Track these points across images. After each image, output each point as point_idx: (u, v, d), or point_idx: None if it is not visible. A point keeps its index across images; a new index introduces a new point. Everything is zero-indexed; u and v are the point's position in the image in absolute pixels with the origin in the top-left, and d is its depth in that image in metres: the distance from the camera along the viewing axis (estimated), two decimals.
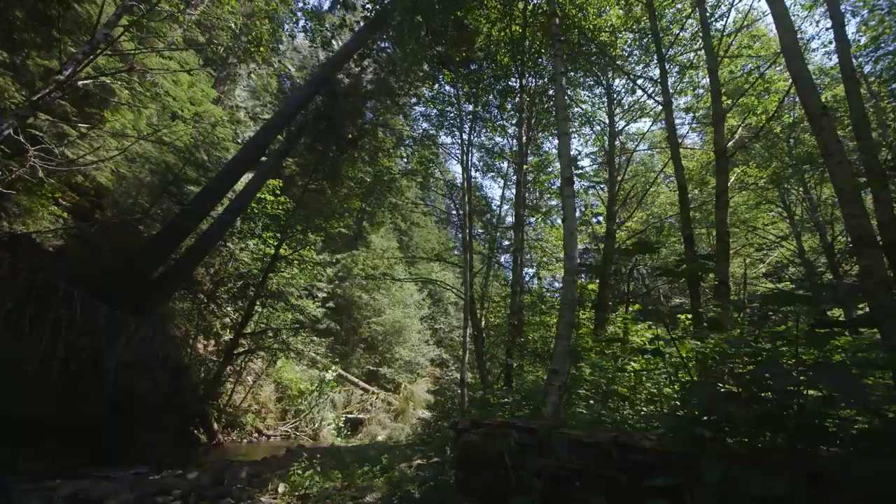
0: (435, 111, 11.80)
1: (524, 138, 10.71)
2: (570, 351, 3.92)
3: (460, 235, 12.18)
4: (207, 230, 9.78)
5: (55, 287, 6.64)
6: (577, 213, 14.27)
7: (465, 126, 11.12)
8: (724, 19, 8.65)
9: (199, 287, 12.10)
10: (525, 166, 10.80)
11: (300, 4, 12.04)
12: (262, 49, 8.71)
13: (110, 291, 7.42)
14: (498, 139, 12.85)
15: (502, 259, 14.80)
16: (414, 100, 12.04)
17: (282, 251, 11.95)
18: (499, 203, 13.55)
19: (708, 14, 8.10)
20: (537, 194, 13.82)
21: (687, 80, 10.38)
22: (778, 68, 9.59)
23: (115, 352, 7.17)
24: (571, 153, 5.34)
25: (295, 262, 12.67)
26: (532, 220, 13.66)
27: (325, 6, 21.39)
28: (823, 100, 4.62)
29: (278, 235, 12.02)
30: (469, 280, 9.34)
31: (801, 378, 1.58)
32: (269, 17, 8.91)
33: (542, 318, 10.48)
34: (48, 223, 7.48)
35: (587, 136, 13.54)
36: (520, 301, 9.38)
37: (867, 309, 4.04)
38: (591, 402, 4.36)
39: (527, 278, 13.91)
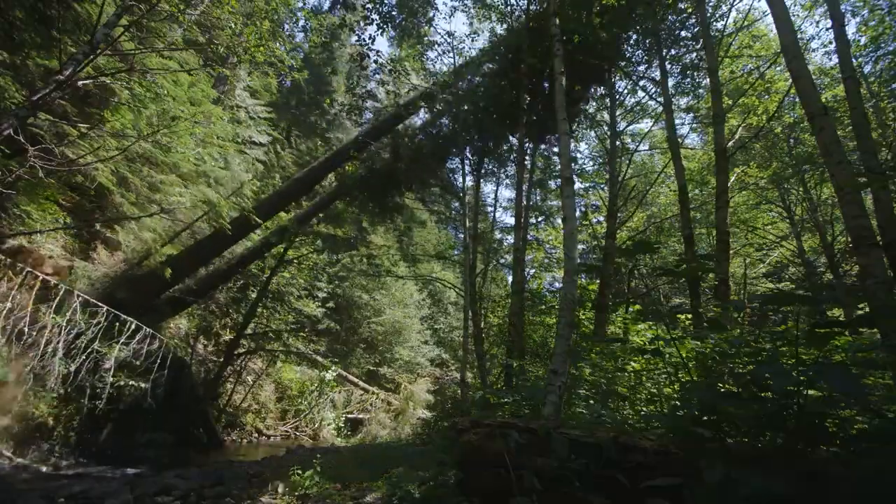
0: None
1: (527, 138, 10.71)
2: (570, 351, 3.92)
3: (461, 235, 12.19)
4: (235, 258, 9.86)
5: (55, 287, 6.65)
6: (578, 213, 14.26)
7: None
8: (725, 19, 8.65)
9: None
10: (526, 166, 10.79)
11: (300, 4, 12.02)
12: (261, 49, 8.69)
13: (123, 300, 7.52)
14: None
15: (502, 259, 14.81)
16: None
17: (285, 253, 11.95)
18: (493, 203, 13.59)
19: (708, 14, 8.10)
20: (538, 195, 13.81)
21: (688, 81, 10.39)
22: (778, 68, 9.59)
23: (114, 352, 7.17)
24: (574, 154, 5.34)
25: (295, 262, 12.67)
26: (533, 220, 13.66)
27: (326, 6, 21.39)
28: (823, 100, 4.62)
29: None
30: (471, 280, 9.35)
31: (801, 378, 1.58)
32: (268, 17, 8.89)
33: (542, 318, 10.47)
34: (49, 224, 7.48)
35: (592, 141, 13.58)
36: (520, 301, 9.37)
37: (867, 309, 4.04)
38: (591, 402, 4.36)
39: (528, 278, 13.91)
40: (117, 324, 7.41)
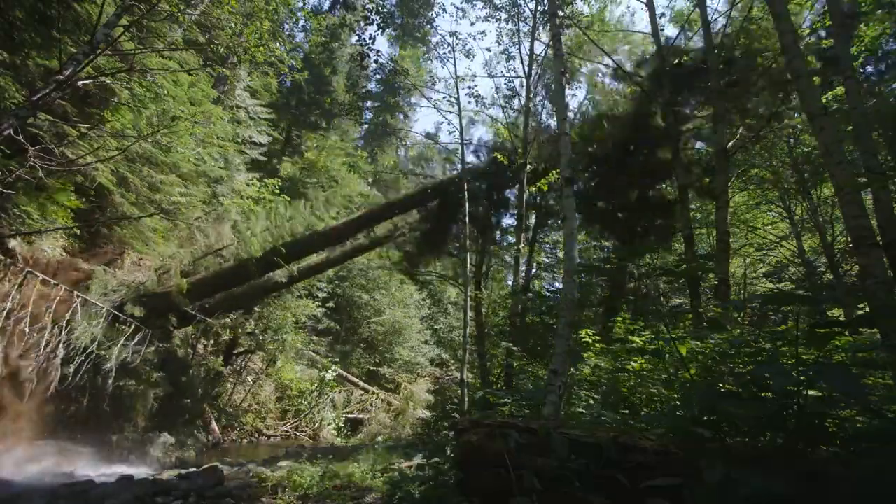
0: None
1: (528, 139, 10.75)
2: (571, 351, 3.92)
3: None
4: (253, 289, 9.93)
5: (56, 287, 6.65)
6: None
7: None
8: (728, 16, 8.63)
9: None
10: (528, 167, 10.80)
11: (300, 4, 12.02)
12: (261, 49, 8.69)
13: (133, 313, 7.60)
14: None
15: (503, 259, 14.83)
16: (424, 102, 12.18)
17: None
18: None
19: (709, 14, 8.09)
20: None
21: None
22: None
23: (114, 352, 7.18)
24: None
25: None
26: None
27: (326, 6, 21.35)
28: (823, 100, 4.62)
29: None
30: (473, 279, 9.35)
31: (801, 378, 1.58)
32: (268, 17, 8.89)
33: (543, 318, 10.47)
34: (61, 223, 7.49)
35: None
36: (521, 301, 9.38)
37: (867, 309, 4.04)
38: (591, 402, 4.36)
39: (532, 274, 13.94)
40: (117, 324, 7.42)
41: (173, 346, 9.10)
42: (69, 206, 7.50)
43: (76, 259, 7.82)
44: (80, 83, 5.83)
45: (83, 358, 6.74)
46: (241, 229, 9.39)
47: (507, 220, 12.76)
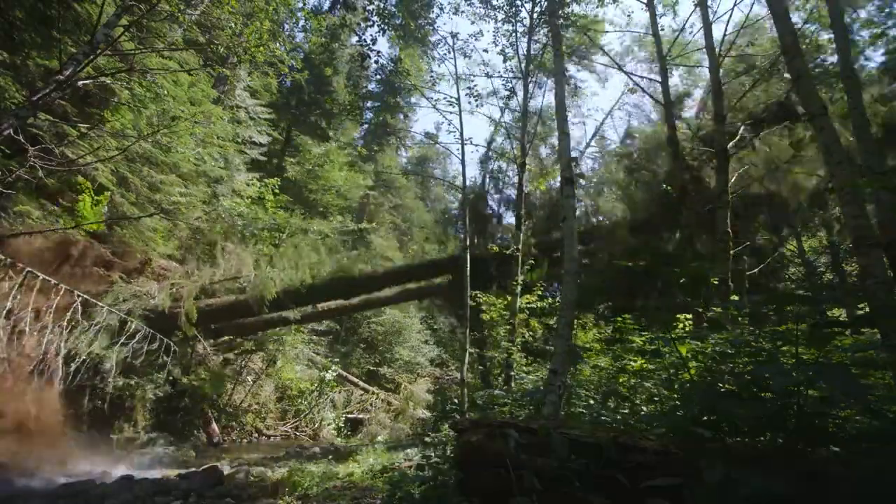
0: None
1: (526, 138, 10.75)
2: (571, 351, 3.92)
3: (462, 235, 12.18)
4: (260, 320, 10.08)
5: (56, 287, 6.64)
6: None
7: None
8: (729, 17, 8.64)
9: None
10: (528, 167, 10.80)
11: (300, 4, 11.97)
12: (261, 49, 8.68)
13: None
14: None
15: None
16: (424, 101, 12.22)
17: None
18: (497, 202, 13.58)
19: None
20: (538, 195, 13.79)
21: (690, 81, 10.39)
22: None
23: (114, 352, 7.18)
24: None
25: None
26: None
27: (326, 6, 21.31)
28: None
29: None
30: (469, 282, 9.35)
31: (801, 378, 1.58)
32: (268, 17, 8.88)
33: (543, 318, 10.46)
34: (62, 223, 7.47)
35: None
36: (520, 301, 9.37)
37: (867, 309, 4.03)
38: (591, 402, 4.36)
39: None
40: (118, 323, 7.42)
41: (174, 346, 9.11)
42: (91, 219, 7.48)
43: (102, 248, 7.84)
44: (80, 83, 5.83)
45: (84, 358, 6.74)
46: (262, 266, 9.50)
47: (509, 219, 12.78)
